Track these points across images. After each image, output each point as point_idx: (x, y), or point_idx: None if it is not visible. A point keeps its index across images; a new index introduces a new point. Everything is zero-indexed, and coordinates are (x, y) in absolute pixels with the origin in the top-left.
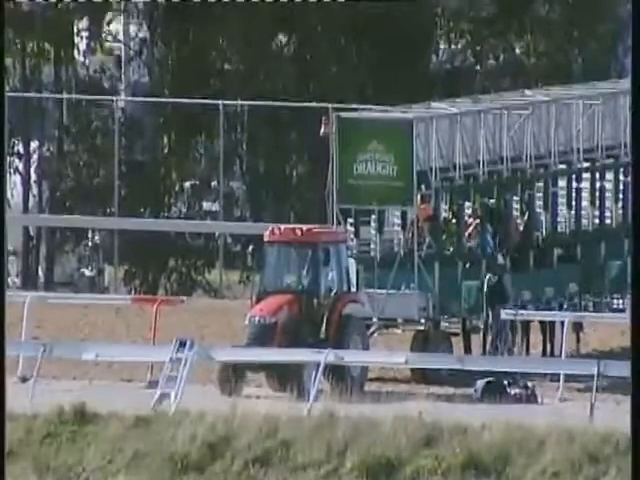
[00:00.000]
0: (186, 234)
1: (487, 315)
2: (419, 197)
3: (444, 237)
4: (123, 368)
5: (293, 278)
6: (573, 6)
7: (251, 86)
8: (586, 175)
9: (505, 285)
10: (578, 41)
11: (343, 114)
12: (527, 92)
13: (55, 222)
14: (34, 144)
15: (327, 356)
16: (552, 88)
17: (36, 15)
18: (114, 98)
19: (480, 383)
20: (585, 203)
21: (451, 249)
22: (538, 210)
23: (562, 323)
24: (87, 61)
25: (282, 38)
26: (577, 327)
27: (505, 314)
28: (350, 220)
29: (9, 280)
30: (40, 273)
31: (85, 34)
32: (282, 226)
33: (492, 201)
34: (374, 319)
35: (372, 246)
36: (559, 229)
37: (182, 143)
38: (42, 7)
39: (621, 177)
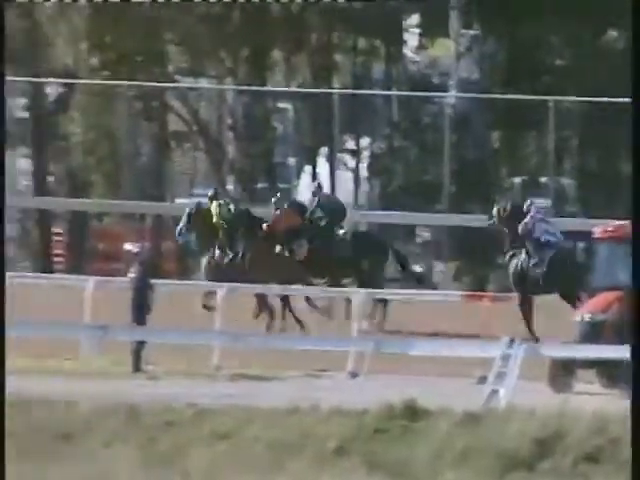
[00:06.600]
0: None
1: None
2: None
3: None
4: (446, 363)
5: (623, 275)
6: None
7: (582, 83)
8: None
9: None
10: None
11: None
12: None
13: (386, 218)
14: (364, 141)
15: None
16: None
17: (369, 13)
18: (444, 95)
19: None
20: None
21: None
22: None
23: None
24: (417, 57)
25: (614, 34)
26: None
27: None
28: None
29: None
30: None
31: (415, 30)
32: (613, 222)
33: None
34: None
35: None
36: None
37: (512, 139)
38: (376, 5)
39: None
